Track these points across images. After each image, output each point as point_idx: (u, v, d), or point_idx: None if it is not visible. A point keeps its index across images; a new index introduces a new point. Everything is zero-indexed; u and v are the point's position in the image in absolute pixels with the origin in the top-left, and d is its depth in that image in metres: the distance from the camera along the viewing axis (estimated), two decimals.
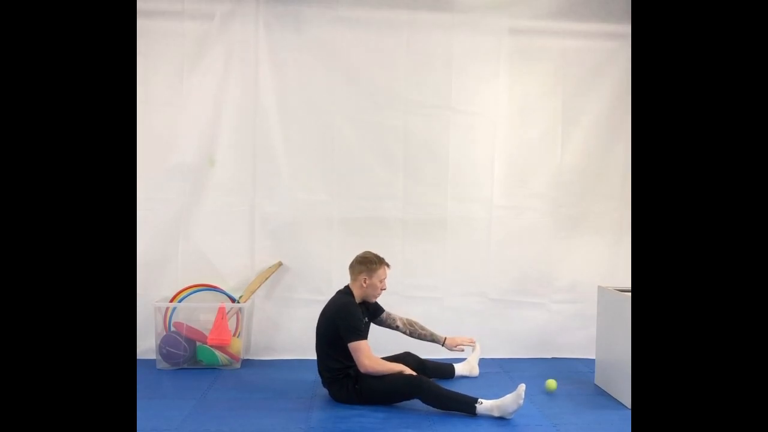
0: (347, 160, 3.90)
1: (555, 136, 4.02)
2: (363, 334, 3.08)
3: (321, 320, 3.15)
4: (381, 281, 3.18)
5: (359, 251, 3.24)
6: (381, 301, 3.36)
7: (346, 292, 3.19)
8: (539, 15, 3.93)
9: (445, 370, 3.53)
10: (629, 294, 3.12)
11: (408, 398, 3.01)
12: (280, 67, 3.83)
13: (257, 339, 3.92)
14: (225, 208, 3.87)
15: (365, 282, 3.15)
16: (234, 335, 3.71)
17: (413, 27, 3.88)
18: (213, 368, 3.63)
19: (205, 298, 3.78)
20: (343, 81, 3.87)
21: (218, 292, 3.77)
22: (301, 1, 3.81)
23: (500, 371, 3.72)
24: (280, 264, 3.89)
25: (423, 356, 3.47)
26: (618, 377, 3.20)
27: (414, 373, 3.06)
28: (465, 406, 2.91)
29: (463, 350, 3.55)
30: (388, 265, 3.21)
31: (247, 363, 3.78)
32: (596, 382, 3.48)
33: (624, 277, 3.77)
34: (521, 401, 2.82)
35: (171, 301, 3.70)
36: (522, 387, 2.82)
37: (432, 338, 3.52)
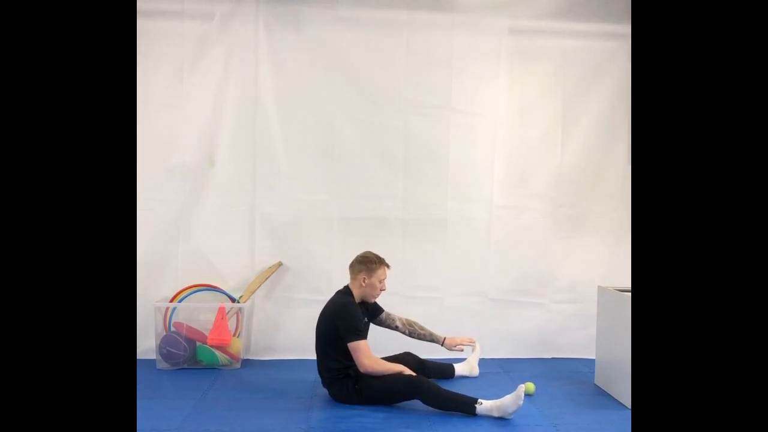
0: (347, 160, 3.90)
1: (555, 136, 4.02)
2: (363, 334, 3.08)
3: (321, 320, 3.15)
4: (380, 281, 3.18)
5: (359, 251, 3.24)
6: (381, 301, 3.35)
7: (346, 292, 3.19)
8: (539, 15, 3.93)
9: (445, 370, 3.53)
10: (629, 294, 3.12)
11: (408, 398, 3.01)
12: (280, 67, 3.83)
13: (257, 339, 3.92)
14: (225, 208, 3.87)
15: (364, 281, 3.15)
16: (234, 335, 3.71)
17: (413, 27, 3.88)
18: (213, 368, 3.63)
19: (205, 298, 3.78)
20: (343, 81, 3.87)
21: (218, 292, 3.77)
22: (301, 1, 3.81)
23: (500, 371, 3.72)
24: (280, 264, 3.89)
25: (423, 356, 3.47)
26: (618, 377, 3.20)
27: (414, 374, 3.06)
28: (465, 407, 2.91)
29: (462, 350, 3.55)
30: (388, 266, 3.21)
31: (247, 363, 3.78)
32: (596, 382, 3.48)
33: (624, 277, 3.77)
34: (521, 402, 2.82)
35: (171, 301, 3.70)
36: (521, 388, 2.82)
37: (431, 338, 3.52)
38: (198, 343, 3.65)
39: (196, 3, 3.76)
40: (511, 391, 2.86)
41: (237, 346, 3.70)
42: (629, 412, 2.99)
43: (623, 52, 3.94)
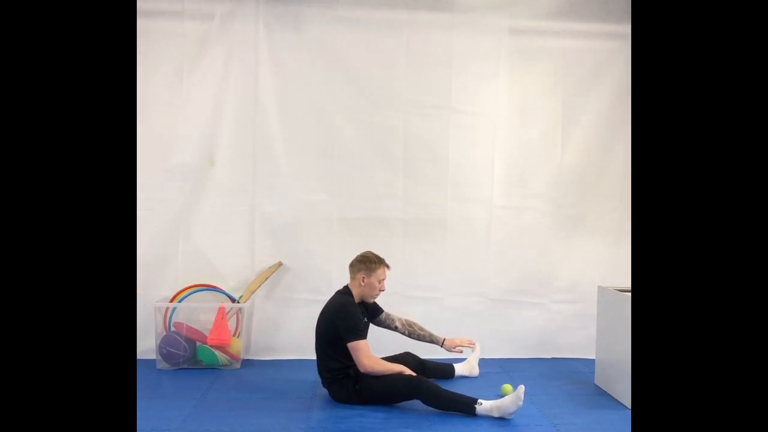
0: (347, 160, 3.90)
1: (555, 136, 4.02)
2: (362, 334, 3.08)
3: (320, 320, 3.15)
4: (380, 282, 3.18)
5: (359, 251, 3.24)
6: (381, 301, 3.35)
7: (345, 292, 3.19)
8: (539, 15, 3.93)
9: (445, 370, 3.53)
10: (629, 294, 3.12)
11: (408, 399, 3.01)
12: (280, 67, 3.83)
13: (257, 339, 3.92)
14: (225, 208, 3.87)
15: (363, 281, 3.15)
16: (234, 335, 3.71)
17: (413, 27, 3.88)
18: (213, 368, 3.63)
19: (205, 298, 3.78)
20: (343, 81, 3.87)
21: (218, 292, 3.77)
22: (301, 1, 3.81)
23: (500, 371, 3.72)
24: (280, 264, 3.89)
25: (423, 356, 3.47)
26: (618, 377, 3.20)
27: (414, 374, 3.06)
28: (465, 407, 2.90)
29: (461, 351, 3.55)
30: (387, 266, 3.21)
31: (247, 363, 3.78)
32: (596, 382, 3.48)
33: (624, 277, 3.77)
34: (521, 403, 2.82)
35: (171, 301, 3.70)
36: (521, 388, 2.82)
37: (431, 339, 3.52)
38: (198, 343, 3.65)
39: (196, 3, 3.76)
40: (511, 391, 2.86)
41: (237, 346, 3.70)
42: (629, 412, 2.99)
43: (623, 52, 3.94)
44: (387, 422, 2.83)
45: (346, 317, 3.05)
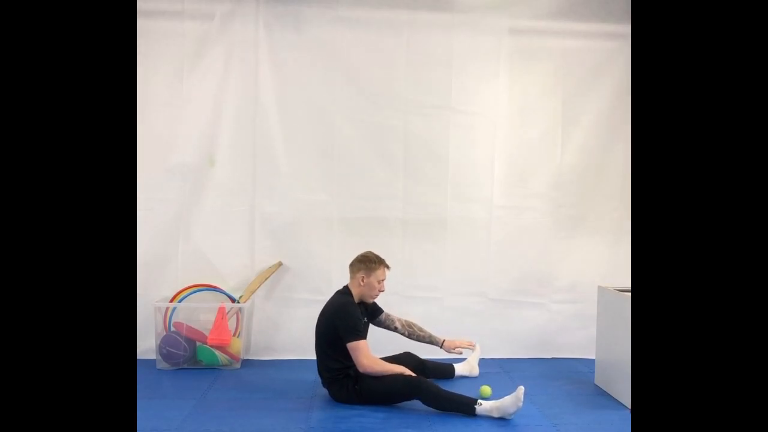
0: (347, 160, 3.90)
1: (555, 136, 4.02)
2: (362, 334, 3.07)
3: (320, 320, 3.15)
4: (379, 282, 3.17)
5: (359, 251, 3.24)
6: (381, 300, 3.35)
7: (345, 292, 3.19)
8: (539, 15, 3.93)
9: (445, 370, 3.53)
10: (629, 294, 3.12)
11: (408, 399, 3.01)
12: (280, 67, 3.83)
13: (257, 339, 3.92)
14: (225, 208, 3.87)
15: (362, 281, 3.15)
16: (234, 335, 3.71)
17: (413, 27, 3.88)
18: (213, 368, 3.63)
19: (205, 298, 3.78)
20: (343, 81, 3.87)
21: (218, 292, 3.77)
22: (301, 1, 3.81)
23: (500, 371, 3.72)
24: (280, 264, 3.89)
25: (423, 356, 3.47)
26: (618, 377, 3.20)
27: (413, 374, 3.06)
28: (464, 408, 2.90)
29: (461, 353, 3.55)
30: (387, 267, 3.21)
31: (247, 363, 3.78)
32: (596, 382, 3.48)
33: (624, 277, 3.77)
34: (520, 404, 2.82)
35: (171, 301, 3.70)
36: (521, 389, 2.82)
37: (430, 340, 3.52)
38: (198, 343, 3.65)
39: (196, 3, 3.76)
40: (511, 392, 2.86)
41: (237, 346, 3.70)
42: (629, 412, 2.99)
43: (623, 52, 3.94)
44: (387, 422, 2.83)
45: (345, 317, 3.05)
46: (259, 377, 3.52)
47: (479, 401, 2.89)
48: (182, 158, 3.80)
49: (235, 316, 3.75)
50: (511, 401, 2.83)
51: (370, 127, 3.91)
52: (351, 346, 3.00)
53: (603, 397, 3.27)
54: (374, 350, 3.10)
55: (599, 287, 3.45)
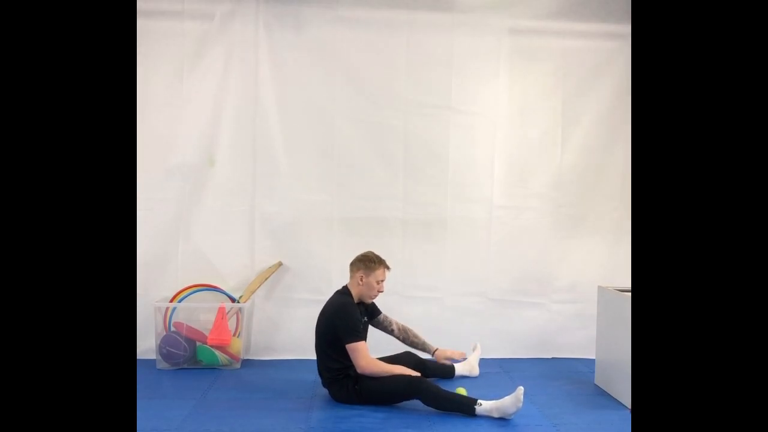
0: (347, 160, 3.91)
1: (555, 136, 4.02)
2: (361, 335, 3.07)
3: (320, 320, 3.15)
4: (378, 282, 3.17)
5: (359, 251, 3.24)
6: (381, 300, 3.35)
7: (344, 292, 3.19)
8: (539, 15, 3.94)
9: (445, 370, 3.53)
10: (629, 294, 3.12)
11: (407, 399, 3.01)
12: (280, 67, 3.83)
13: (257, 339, 3.92)
14: (225, 208, 3.87)
15: (362, 280, 3.15)
16: (234, 335, 3.71)
17: (413, 27, 3.88)
18: (213, 368, 3.63)
19: (205, 298, 3.78)
20: (343, 81, 3.87)
21: (218, 292, 3.77)
22: (301, 1, 3.81)
23: (500, 371, 3.72)
24: (280, 264, 3.89)
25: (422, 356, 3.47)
26: (618, 377, 3.20)
27: (413, 374, 3.06)
28: (464, 408, 2.90)
29: (451, 364, 3.55)
30: (387, 267, 3.21)
31: (247, 363, 3.78)
32: (596, 382, 3.48)
33: (624, 277, 3.77)
34: (520, 404, 2.82)
35: (171, 301, 3.70)
36: (521, 389, 2.82)
37: (423, 347, 3.52)
38: (198, 343, 3.65)
39: (196, 3, 3.76)
40: (511, 392, 2.86)
41: (237, 346, 3.70)
42: (629, 412, 2.99)
43: (623, 52, 3.94)
44: (387, 422, 2.83)
45: (345, 317, 3.04)
46: (259, 377, 3.52)
47: (479, 401, 2.89)
48: (182, 158, 3.80)
49: (235, 316, 3.75)
50: (511, 401, 2.83)
51: (370, 127, 3.91)
52: (350, 347, 3.00)
53: (603, 397, 3.27)
54: (374, 350, 3.10)
55: (599, 287, 3.45)
